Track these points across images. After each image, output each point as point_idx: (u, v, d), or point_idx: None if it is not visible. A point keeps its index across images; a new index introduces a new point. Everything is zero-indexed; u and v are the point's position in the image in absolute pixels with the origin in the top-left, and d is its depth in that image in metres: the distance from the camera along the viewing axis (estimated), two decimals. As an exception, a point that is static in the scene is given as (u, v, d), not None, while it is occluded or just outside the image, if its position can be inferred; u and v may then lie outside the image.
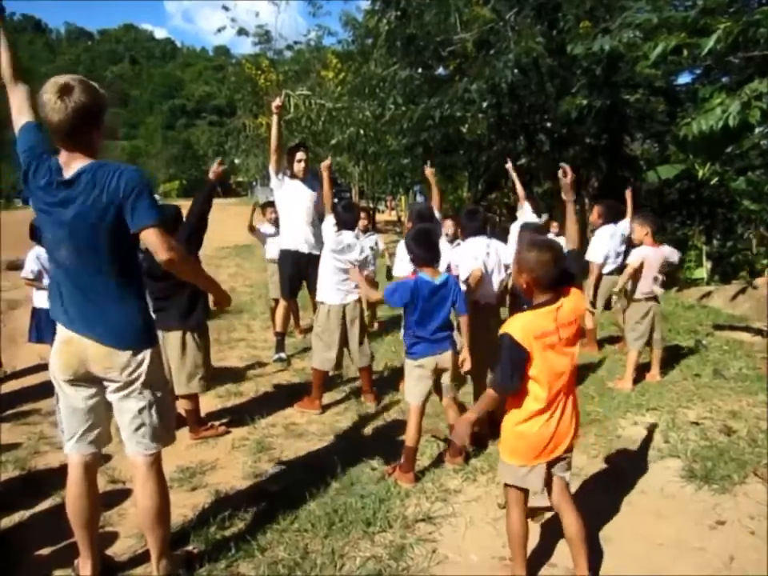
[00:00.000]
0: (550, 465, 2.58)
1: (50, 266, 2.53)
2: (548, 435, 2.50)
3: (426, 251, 3.59)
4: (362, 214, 6.96)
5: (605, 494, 3.43)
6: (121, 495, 3.47)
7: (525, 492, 2.61)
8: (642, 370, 5.39)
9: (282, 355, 6.10)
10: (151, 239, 2.33)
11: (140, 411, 2.50)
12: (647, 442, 4.09)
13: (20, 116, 2.53)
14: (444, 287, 3.61)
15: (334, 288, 4.76)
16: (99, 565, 2.65)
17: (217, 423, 4.50)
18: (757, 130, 7.72)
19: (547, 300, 2.48)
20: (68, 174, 2.32)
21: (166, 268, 2.37)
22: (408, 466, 3.58)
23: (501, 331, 2.49)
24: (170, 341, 4.06)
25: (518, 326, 2.44)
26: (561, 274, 2.47)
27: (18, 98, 2.56)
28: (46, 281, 5.58)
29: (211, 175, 4.27)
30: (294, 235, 5.75)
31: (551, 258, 2.44)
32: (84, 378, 2.48)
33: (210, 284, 2.69)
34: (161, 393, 2.58)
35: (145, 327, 2.50)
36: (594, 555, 2.83)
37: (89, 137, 2.37)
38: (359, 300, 4.86)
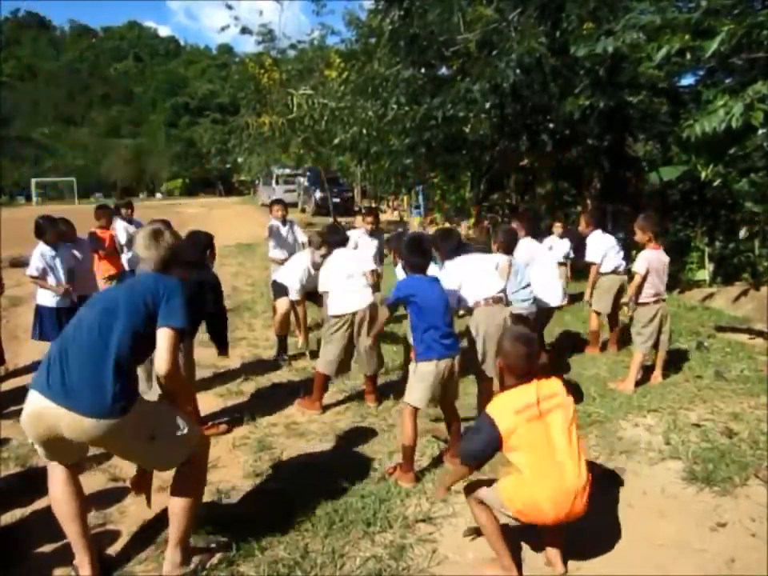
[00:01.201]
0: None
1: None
2: (543, 498, 2.57)
3: (418, 257, 3.72)
4: (369, 219, 7.00)
5: (606, 494, 3.43)
6: (121, 493, 3.48)
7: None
8: (644, 372, 5.38)
9: (284, 356, 6.11)
10: (162, 340, 2.52)
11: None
12: (648, 443, 4.08)
13: None
14: (440, 285, 3.72)
15: (341, 297, 4.74)
16: (98, 563, 2.67)
17: (214, 423, 4.51)
18: (760, 132, 7.71)
19: (519, 383, 2.72)
20: None
21: (160, 378, 2.55)
22: (408, 466, 3.58)
23: (485, 410, 2.71)
24: None
25: (497, 406, 2.67)
26: (533, 366, 2.72)
27: None
28: (50, 278, 5.60)
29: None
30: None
31: (525, 353, 2.70)
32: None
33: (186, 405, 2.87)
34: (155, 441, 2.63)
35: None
36: (595, 555, 2.84)
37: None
38: (370, 307, 4.82)
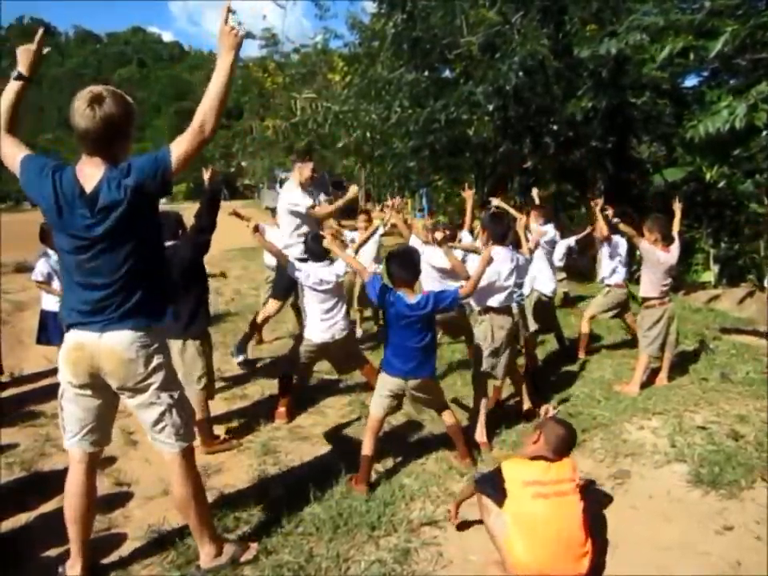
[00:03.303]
0: None
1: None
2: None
3: (402, 270, 3.60)
4: (363, 216, 7.04)
5: (611, 497, 3.42)
6: (125, 497, 3.49)
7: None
8: (649, 374, 5.36)
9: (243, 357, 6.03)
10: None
11: (161, 415, 2.58)
12: (654, 446, 4.07)
13: (18, 153, 2.52)
14: (419, 308, 3.51)
15: (317, 323, 4.54)
16: (89, 570, 2.70)
17: (225, 434, 4.42)
18: (764, 133, 7.70)
19: (543, 457, 2.83)
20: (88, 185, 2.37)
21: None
22: (364, 476, 3.54)
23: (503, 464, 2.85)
24: (172, 348, 4.09)
25: (511, 468, 2.79)
26: (564, 449, 2.89)
27: (11, 144, 2.55)
28: (55, 283, 5.61)
29: (206, 184, 4.40)
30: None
31: (564, 436, 2.89)
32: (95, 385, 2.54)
33: None
34: (177, 393, 2.65)
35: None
36: (599, 558, 2.83)
37: (113, 147, 2.42)
38: (347, 336, 4.68)
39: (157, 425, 2.59)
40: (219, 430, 4.36)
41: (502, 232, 4.31)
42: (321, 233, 4.74)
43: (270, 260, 6.62)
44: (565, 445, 2.89)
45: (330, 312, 4.51)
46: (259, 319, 6.02)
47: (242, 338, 6.12)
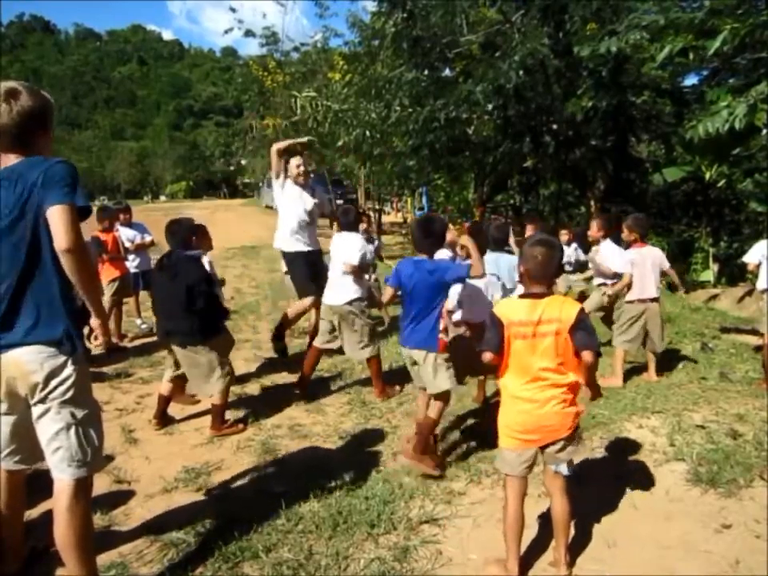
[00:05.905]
0: (542, 449, 2.71)
1: None
2: (522, 421, 2.66)
3: (421, 237, 3.68)
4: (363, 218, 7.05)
5: (610, 496, 3.43)
6: (126, 495, 3.49)
7: (521, 481, 2.71)
8: (639, 371, 5.50)
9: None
10: (55, 218, 2.17)
11: (57, 433, 2.30)
12: (653, 445, 4.08)
13: None
14: (430, 273, 3.57)
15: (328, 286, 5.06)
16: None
17: (231, 419, 4.53)
18: (764, 132, 7.71)
19: (534, 293, 2.67)
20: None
21: (62, 256, 2.19)
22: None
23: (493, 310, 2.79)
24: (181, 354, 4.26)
25: (501, 307, 2.76)
26: (549, 271, 2.67)
27: None
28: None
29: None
30: (304, 238, 5.70)
31: (542, 254, 2.65)
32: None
33: (95, 302, 2.47)
34: (85, 412, 2.36)
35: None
36: (599, 556, 2.84)
37: (33, 140, 2.33)
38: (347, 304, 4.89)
39: (51, 443, 2.30)
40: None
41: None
42: (351, 207, 5.41)
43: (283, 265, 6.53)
44: (544, 265, 2.64)
45: (346, 277, 4.88)
46: (291, 313, 5.88)
47: (277, 328, 5.90)
